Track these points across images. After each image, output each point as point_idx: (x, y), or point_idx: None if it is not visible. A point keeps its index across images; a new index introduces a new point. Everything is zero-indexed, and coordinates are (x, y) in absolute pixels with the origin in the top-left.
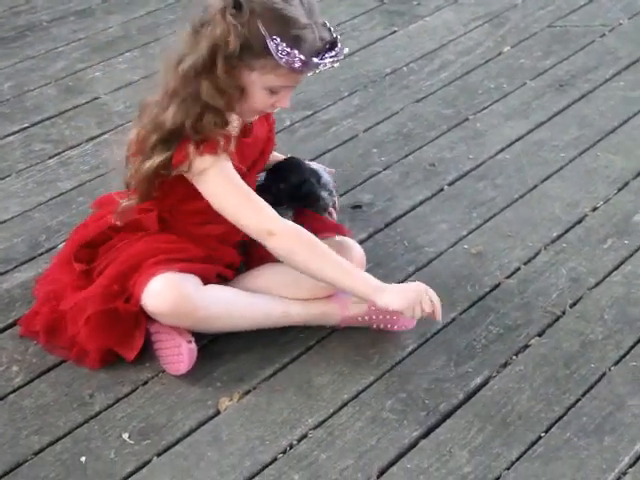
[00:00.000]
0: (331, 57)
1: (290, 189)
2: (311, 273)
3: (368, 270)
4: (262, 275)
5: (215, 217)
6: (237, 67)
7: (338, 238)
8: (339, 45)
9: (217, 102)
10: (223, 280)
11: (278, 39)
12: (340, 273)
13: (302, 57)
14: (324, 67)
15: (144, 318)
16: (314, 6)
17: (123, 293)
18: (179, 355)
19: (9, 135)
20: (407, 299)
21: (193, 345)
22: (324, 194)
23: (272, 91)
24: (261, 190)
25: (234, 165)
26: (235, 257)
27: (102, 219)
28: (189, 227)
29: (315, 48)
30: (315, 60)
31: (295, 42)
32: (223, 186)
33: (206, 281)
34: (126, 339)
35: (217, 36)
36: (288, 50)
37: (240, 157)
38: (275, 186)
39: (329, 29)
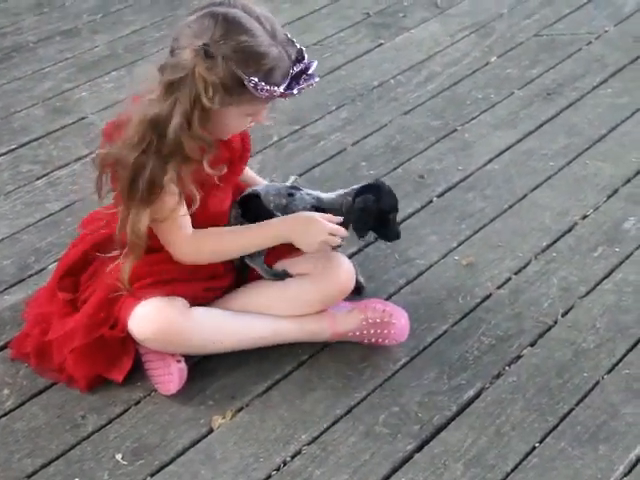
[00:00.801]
0: (308, 78)
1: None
2: (225, 257)
3: None
4: (252, 293)
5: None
6: (214, 114)
7: (325, 253)
8: (306, 57)
9: (195, 154)
10: (212, 292)
11: (255, 79)
12: (247, 239)
13: (281, 90)
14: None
15: (132, 340)
16: (274, 24)
17: (109, 319)
18: (169, 375)
19: None
20: (314, 246)
21: (183, 364)
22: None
23: (249, 115)
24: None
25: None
26: (218, 267)
27: (81, 242)
28: None
29: (287, 68)
30: (294, 91)
31: (269, 74)
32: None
33: (194, 298)
34: (114, 363)
35: (194, 97)
36: (267, 88)
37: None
38: (365, 200)
39: (292, 41)
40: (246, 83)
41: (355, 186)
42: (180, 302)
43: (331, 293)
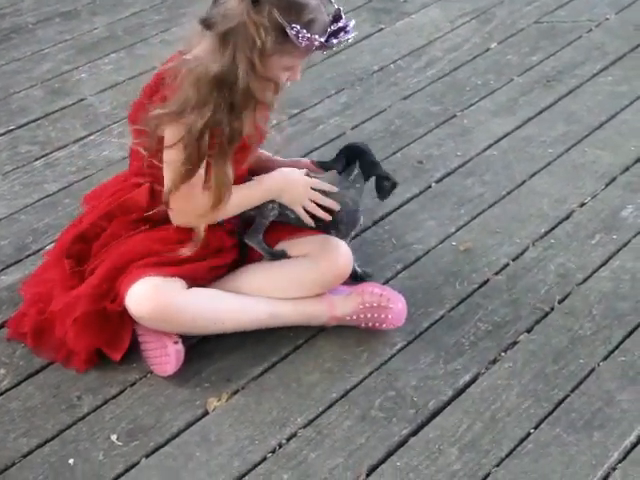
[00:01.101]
0: (345, 33)
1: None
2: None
3: None
4: (250, 275)
5: None
6: (268, 57)
7: (323, 236)
8: (344, 17)
9: (266, 97)
10: (215, 271)
11: (297, 26)
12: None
13: (321, 40)
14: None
15: (130, 318)
16: None
17: (110, 293)
18: (166, 356)
19: None
20: (298, 201)
21: (180, 346)
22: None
23: (287, 69)
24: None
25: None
26: (225, 240)
27: (93, 210)
28: None
29: (326, 24)
30: (332, 40)
31: (310, 25)
32: None
33: (196, 279)
34: (113, 339)
35: (251, 41)
36: (308, 36)
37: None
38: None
39: (330, 1)
40: (288, 31)
41: (338, 169)
42: (178, 282)
43: (329, 276)
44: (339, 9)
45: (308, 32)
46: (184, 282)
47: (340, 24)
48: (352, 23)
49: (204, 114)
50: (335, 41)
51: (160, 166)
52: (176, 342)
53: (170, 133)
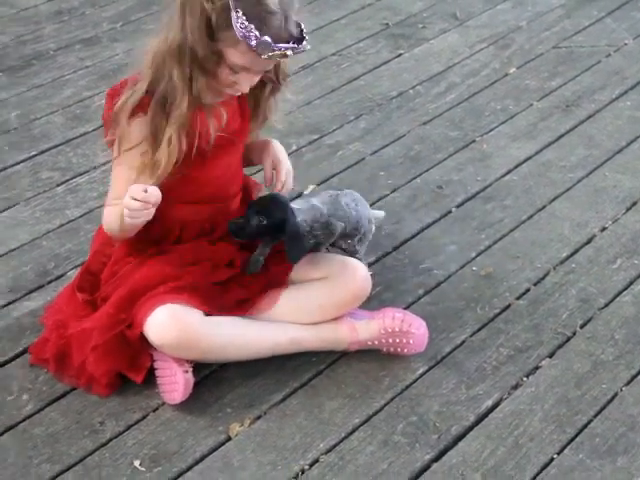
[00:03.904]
0: (287, 47)
1: (272, 225)
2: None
3: (377, 294)
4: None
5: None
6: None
7: (340, 257)
8: (304, 43)
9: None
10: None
11: (240, 12)
12: None
13: (257, 34)
14: (280, 53)
15: (148, 341)
16: (292, 2)
17: (127, 320)
18: (175, 384)
19: (17, 164)
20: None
21: (189, 375)
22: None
23: (233, 70)
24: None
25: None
26: (233, 253)
27: (95, 246)
28: (174, 211)
29: (278, 37)
30: (268, 40)
31: (259, 23)
32: None
33: (215, 302)
34: (133, 362)
35: (200, 10)
36: (246, 24)
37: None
38: (256, 220)
39: (301, 28)
40: (232, 13)
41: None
42: (196, 309)
43: (348, 297)
44: (303, 37)
45: (250, 24)
46: (199, 310)
47: (284, 45)
48: (303, 47)
49: (168, 83)
50: (273, 45)
51: None
52: (186, 371)
53: (134, 129)
